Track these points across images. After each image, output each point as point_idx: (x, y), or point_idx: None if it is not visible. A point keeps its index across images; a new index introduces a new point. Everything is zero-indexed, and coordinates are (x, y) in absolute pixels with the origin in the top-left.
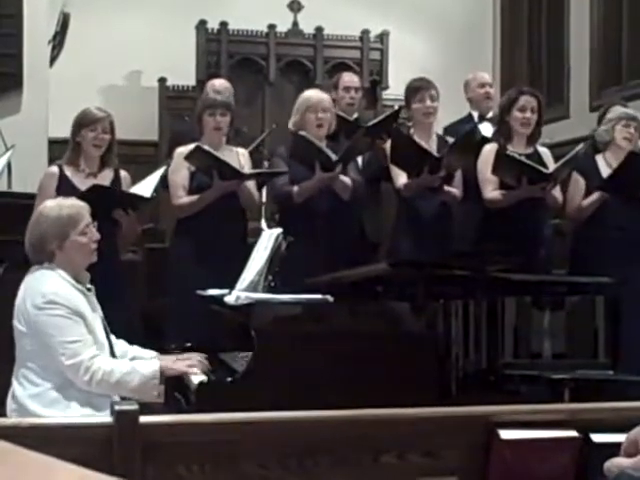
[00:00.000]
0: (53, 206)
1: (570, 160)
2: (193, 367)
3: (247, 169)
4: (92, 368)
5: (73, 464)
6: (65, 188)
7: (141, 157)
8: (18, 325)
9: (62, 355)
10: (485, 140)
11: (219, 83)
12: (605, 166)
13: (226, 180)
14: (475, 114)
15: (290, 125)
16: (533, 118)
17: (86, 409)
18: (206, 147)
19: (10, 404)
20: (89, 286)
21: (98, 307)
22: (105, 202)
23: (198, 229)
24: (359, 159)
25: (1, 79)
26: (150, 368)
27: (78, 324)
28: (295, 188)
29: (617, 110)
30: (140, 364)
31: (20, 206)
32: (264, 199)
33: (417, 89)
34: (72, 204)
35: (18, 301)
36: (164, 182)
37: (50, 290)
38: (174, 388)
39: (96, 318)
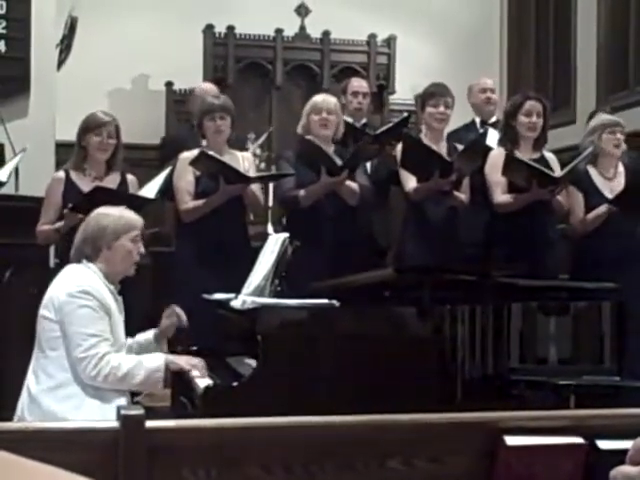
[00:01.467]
0: (114, 210)
1: (578, 164)
2: (195, 366)
3: (251, 173)
4: (101, 364)
5: (76, 473)
6: (71, 193)
7: (147, 161)
8: (46, 312)
9: (78, 346)
10: (489, 149)
11: (208, 87)
12: (598, 177)
13: (232, 184)
14: (477, 120)
15: (298, 129)
16: (539, 123)
17: (102, 403)
18: (211, 152)
19: (23, 397)
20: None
21: (123, 312)
22: (109, 204)
23: (201, 233)
24: (368, 164)
25: (9, 83)
26: (155, 362)
27: (103, 320)
28: (302, 192)
29: (599, 118)
30: (146, 358)
31: (27, 209)
32: (270, 203)
33: (433, 94)
34: (131, 215)
35: (50, 291)
36: (169, 193)
37: (86, 282)
38: (180, 392)
39: (121, 320)
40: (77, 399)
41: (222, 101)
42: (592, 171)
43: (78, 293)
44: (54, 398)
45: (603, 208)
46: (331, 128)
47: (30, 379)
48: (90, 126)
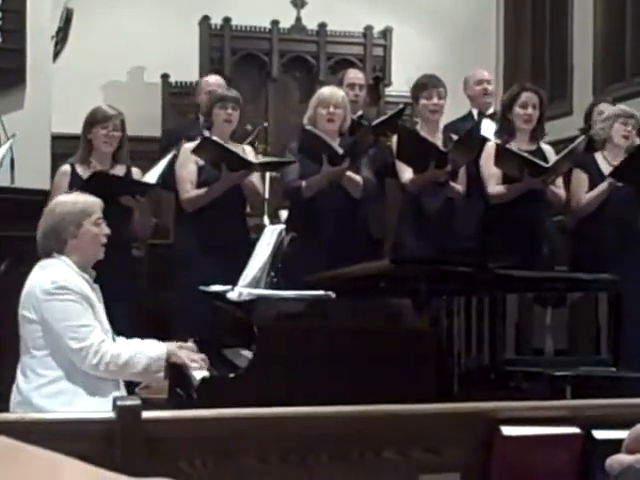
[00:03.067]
0: (68, 198)
1: (568, 154)
2: (195, 361)
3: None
4: (100, 351)
5: (77, 459)
6: (77, 185)
7: (143, 153)
8: (25, 313)
9: (71, 339)
10: (485, 140)
11: (214, 80)
12: (605, 164)
13: (235, 171)
14: (475, 111)
15: (304, 120)
16: (535, 114)
17: (94, 397)
18: (214, 137)
19: (14, 397)
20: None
21: (102, 299)
22: (109, 189)
23: (200, 224)
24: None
25: (4, 74)
26: (157, 351)
27: (87, 310)
28: (304, 182)
29: (613, 108)
30: (147, 347)
31: (22, 202)
32: (267, 195)
33: (425, 86)
34: (86, 199)
35: (26, 290)
36: (169, 182)
37: (60, 277)
38: (177, 384)
39: (101, 308)
40: (68, 395)
41: (235, 94)
42: (599, 157)
43: (56, 290)
44: (44, 395)
45: (604, 185)
46: (337, 122)
47: (19, 379)
48: (96, 119)
